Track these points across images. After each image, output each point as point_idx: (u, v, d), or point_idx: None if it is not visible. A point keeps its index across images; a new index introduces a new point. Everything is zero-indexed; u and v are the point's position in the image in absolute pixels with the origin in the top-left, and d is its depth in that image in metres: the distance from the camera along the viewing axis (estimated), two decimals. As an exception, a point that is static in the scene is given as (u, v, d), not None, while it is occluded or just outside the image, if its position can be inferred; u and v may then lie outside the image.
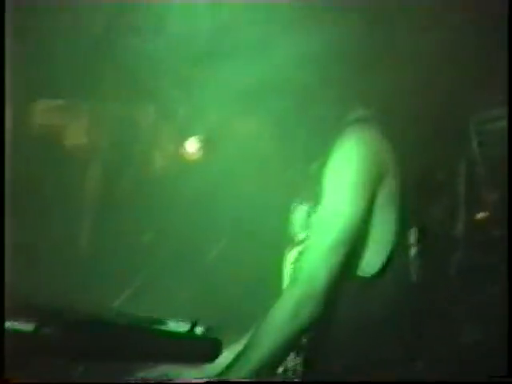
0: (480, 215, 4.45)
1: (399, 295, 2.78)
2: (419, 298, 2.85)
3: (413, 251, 2.80)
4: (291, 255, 2.89)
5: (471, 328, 4.03)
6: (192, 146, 5.24)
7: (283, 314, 2.58)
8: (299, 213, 2.86)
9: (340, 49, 2.82)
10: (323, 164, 2.70)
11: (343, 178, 2.64)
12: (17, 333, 2.21)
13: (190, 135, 5.24)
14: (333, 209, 2.64)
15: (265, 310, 2.62)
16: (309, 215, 2.80)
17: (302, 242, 2.81)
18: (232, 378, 2.51)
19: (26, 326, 2.21)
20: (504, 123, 4.46)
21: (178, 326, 2.54)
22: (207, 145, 5.01)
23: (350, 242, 2.61)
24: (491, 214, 4.40)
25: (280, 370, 2.79)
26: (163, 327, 2.53)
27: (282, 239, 2.97)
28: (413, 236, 2.79)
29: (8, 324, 2.23)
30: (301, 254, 2.76)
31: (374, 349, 2.73)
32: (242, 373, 2.53)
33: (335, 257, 2.59)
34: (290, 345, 2.63)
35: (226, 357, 2.57)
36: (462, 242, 4.39)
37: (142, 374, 2.70)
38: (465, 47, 4.37)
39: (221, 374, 2.54)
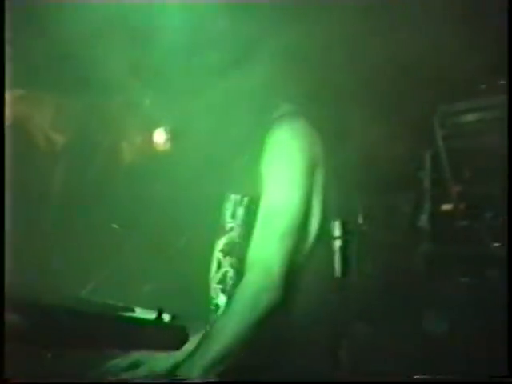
0: (445, 206, 4.48)
1: (320, 287, 2.82)
2: (341, 290, 2.88)
3: (336, 244, 2.83)
4: (220, 243, 2.92)
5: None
6: (160, 136, 5.26)
7: (244, 301, 2.61)
8: (229, 203, 2.89)
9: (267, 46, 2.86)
10: (254, 157, 2.73)
11: (285, 171, 2.69)
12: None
13: (157, 126, 5.25)
14: (277, 199, 2.67)
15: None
16: (238, 205, 2.83)
17: (230, 230, 2.84)
18: (193, 366, 2.53)
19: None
20: (468, 117, 4.51)
21: (146, 314, 2.55)
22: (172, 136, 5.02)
23: (297, 230, 2.66)
24: (454, 205, 4.44)
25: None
26: (131, 315, 2.54)
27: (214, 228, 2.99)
28: (336, 228, 2.82)
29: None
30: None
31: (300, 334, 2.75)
32: (203, 361, 2.55)
33: (285, 245, 2.63)
34: (250, 333, 2.65)
35: (192, 343, 2.59)
36: (426, 233, 4.42)
37: (115, 362, 2.70)
38: (431, 46, 4.41)
39: (183, 361, 2.56)
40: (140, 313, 2.58)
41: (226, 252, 2.88)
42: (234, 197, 2.86)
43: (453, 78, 4.53)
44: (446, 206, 4.48)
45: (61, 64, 4.42)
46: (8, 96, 5.04)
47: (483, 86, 4.43)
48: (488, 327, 3.83)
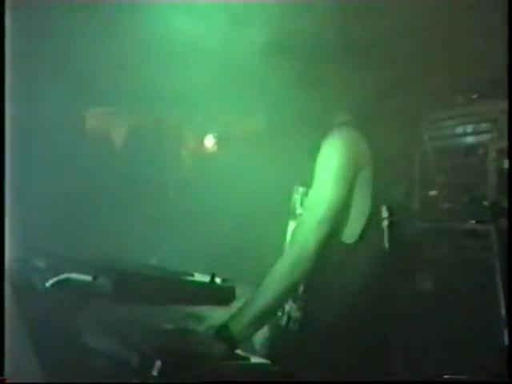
0: (431, 192, 4.45)
1: (374, 259, 2.78)
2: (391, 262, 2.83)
3: (385, 223, 2.79)
4: (291, 225, 2.88)
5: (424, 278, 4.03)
6: (209, 142, 5.24)
7: (282, 271, 2.57)
8: (297, 194, 2.86)
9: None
10: (312, 156, 2.70)
11: (328, 168, 2.65)
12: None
13: (207, 134, 5.23)
14: (320, 192, 2.65)
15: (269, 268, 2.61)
16: (305, 195, 2.80)
17: (299, 215, 2.80)
18: (240, 319, 2.49)
19: (84, 277, 2.18)
20: (449, 123, 4.47)
21: (202, 277, 2.51)
22: (221, 141, 4.99)
23: (333, 217, 2.62)
24: (439, 192, 4.40)
25: (279, 313, 2.77)
26: (191, 278, 2.50)
27: (286, 213, 2.95)
28: (384, 211, 2.78)
29: (66, 275, 2.20)
30: (296, 225, 2.75)
31: (354, 304, 2.70)
32: (250, 314, 2.51)
33: (322, 228, 2.59)
34: (287, 295, 2.61)
35: (240, 302, 2.55)
36: (417, 214, 4.39)
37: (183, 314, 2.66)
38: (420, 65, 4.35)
39: (234, 315, 2.52)
40: (197, 277, 2.54)
41: None
42: (301, 189, 2.83)
43: (437, 92, 4.49)
44: (432, 192, 4.44)
45: (128, 84, 4.37)
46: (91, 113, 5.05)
47: (460, 99, 4.37)
48: (470, 286, 3.77)
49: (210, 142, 5.24)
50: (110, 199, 4.38)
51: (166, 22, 3.55)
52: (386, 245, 2.78)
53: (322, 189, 2.64)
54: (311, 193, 2.70)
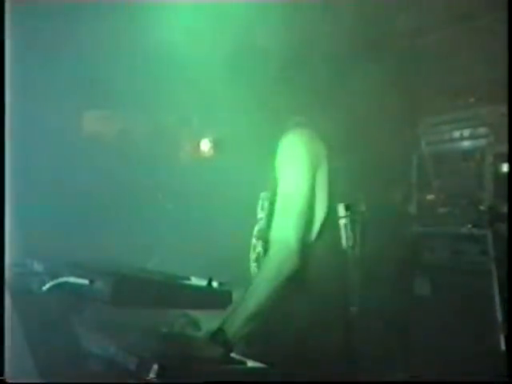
0: (428, 196, 4.46)
1: (331, 257, 2.80)
2: (348, 261, 2.85)
3: (342, 222, 2.81)
4: (255, 229, 2.91)
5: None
6: (205, 145, 5.26)
7: (269, 271, 2.60)
8: (260, 199, 2.89)
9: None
10: (273, 159, 2.74)
11: (293, 164, 2.70)
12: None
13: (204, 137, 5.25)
14: (291, 186, 2.67)
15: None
16: (264, 200, 2.83)
17: (260, 219, 2.84)
18: (234, 321, 2.51)
19: (82, 281, 2.19)
20: (445, 127, 4.48)
21: (199, 282, 2.53)
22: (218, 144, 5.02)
23: (309, 208, 2.66)
24: (437, 196, 4.41)
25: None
26: (188, 282, 2.52)
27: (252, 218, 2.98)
28: (341, 210, 2.81)
29: (64, 279, 2.21)
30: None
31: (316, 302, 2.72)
32: (243, 315, 2.53)
33: (301, 220, 2.62)
34: (277, 293, 2.62)
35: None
36: (414, 217, 4.40)
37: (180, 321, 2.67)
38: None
39: (227, 318, 2.53)
40: (194, 281, 2.55)
41: (258, 237, 2.88)
42: (262, 193, 2.86)
43: (433, 96, 4.51)
44: (430, 196, 4.45)
45: (125, 87, 4.38)
46: (90, 115, 5.06)
47: (458, 103, 4.39)
48: (466, 290, 3.78)
49: (206, 145, 5.26)
50: (108, 203, 4.40)
51: (164, 25, 3.57)
52: (344, 243, 2.80)
53: (291, 183, 2.68)
54: (280, 191, 2.71)
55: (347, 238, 2.81)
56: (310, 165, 2.70)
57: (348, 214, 2.81)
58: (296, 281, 2.62)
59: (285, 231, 2.62)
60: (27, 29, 3.37)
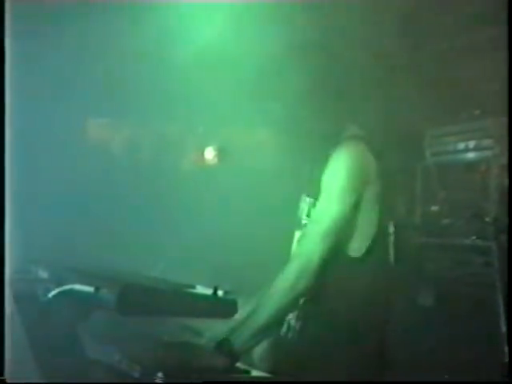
0: (433, 208, 4.46)
1: (380, 273, 2.78)
2: (395, 276, 2.85)
3: (391, 239, 2.80)
4: (297, 235, 2.89)
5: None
6: (209, 153, 5.25)
7: (285, 284, 2.57)
8: (305, 204, 2.86)
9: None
10: (320, 168, 2.71)
11: (335, 182, 2.65)
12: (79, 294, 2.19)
13: (208, 145, 5.24)
14: (325, 205, 2.65)
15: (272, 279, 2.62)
16: (312, 206, 2.80)
17: (304, 225, 2.81)
18: (243, 333, 2.50)
19: (87, 288, 2.19)
20: (451, 138, 4.49)
21: (204, 290, 2.52)
22: (223, 153, 5.01)
23: (337, 231, 2.61)
24: (441, 207, 4.42)
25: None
26: (193, 291, 2.51)
27: (292, 223, 2.96)
28: (391, 227, 2.80)
29: (69, 286, 2.21)
30: (300, 237, 2.76)
31: (356, 314, 2.70)
32: (252, 327, 2.52)
33: (326, 242, 2.59)
34: (289, 308, 2.63)
35: (240, 314, 2.55)
36: (419, 229, 4.40)
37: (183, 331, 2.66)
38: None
39: (235, 328, 2.53)
40: (200, 289, 2.55)
41: None
42: (308, 199, 2.83)
43: (439, 107, 4.51)
44: (434, 208, 4.46)
45: (130, 95, 4.38)
46: (94, 121, 5.07)
47: (463, 115, 4.39)
48: (470, 301, 3.77)
49: (210, 153, 5.26)
50: (113, 210, 4.40)
51: (173, 33, 3.57)
52: (392, 260, 2.79)
53: (328, 202, 2.64)
54: (317, 206, 2.70)
55: (395, 256, 2.81)
56: (356, 185, 2.65)
57: (395, 231, 2.81)
58: (311, 298, 2.63)
59: (309, 247, 2.61)
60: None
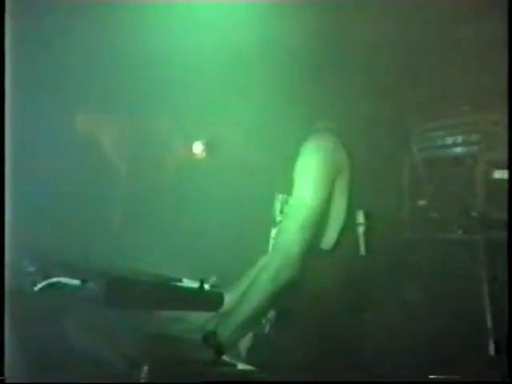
0: (420, 202, 4.47)
1: (350, 264, 2.82)
2: (366, 266, 2.87)
3: (361, 229, 2.83)
4: (273, 232, 2.92)
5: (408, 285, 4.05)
6: (198, 147, 5.25)
7: (266, 278, 2.63)
8: (277, 201, 2.90)
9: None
10: (291, 163, 2.75)
11: (307, 175, 2.72)
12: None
13: (196, 140, 5.24)
14: (300, 198, 2.72)
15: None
16: (285, 202, 2.84)
17: (279, 222, 2.85)
18: (227, 326, 2.53)
19: (74, 281, 2.20)
20: (437, 134, 4.51)
21: (191, 283, 2.54)
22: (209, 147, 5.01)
23: (314, 223, 2.69)
24: (428, 202, 4.43)
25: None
26: (180, 284, 2.53)
27: (267, 220, 2.99)
28: (360, 217, 2.83)
29: (56, 279, 2.22)
30: (278, 231, 2.79)
31: (329, 303, 2.74)
32: (237, 320, 2.56)
33: (304, 234, 2.66)
34: (273, 301, 2.67)
35: (226, 307, 2.58)
36: (407, 223, 4.41)
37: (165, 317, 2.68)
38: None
39: (221, 321, 2.56)
40: (186, 282, 2.57)
41: None
42: (281, 196, 2.87)
43: (426, 103, 4.53)
44: (421, 202, 4.47)
45: (117, 89, 4.38)
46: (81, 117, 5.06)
47: (450, 110, 4.41)
48: (457, 296, 3.79)
49: (198, 147, 5.26)
50: (99, 204, 4.41)
51: (159, 26, 3.58)
52: (362, 251, 2.82)
53: (302, 195, 2.70)
54: (291, 199, 2.75)
55: (365, 246, 2.84)
56: (328, 175, 2.71)
57: (366, 221, 2.84)
58: (294, 289, 2.66)
59: (288, 239, 2.66)
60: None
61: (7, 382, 2.09)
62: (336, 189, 2.76)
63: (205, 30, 3.34)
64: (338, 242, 2.78)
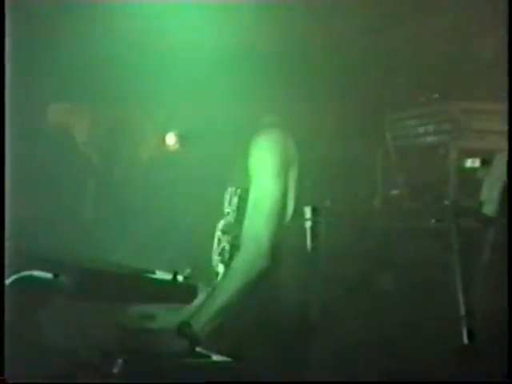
0: (393, 192, 4.50)
1: (295, 259, 2.85)
2: (314, 262, 2.88)
3: (308, 224, 2.85)
4: (220, 224, 2.93)
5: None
6: (171, 139, 5.23)
7: (239, 269, 2.67)
8: (227, 193, 2.92)
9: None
10: (244, 158, 2.79)
11: (264, 166, 2.76)
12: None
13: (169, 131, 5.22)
14: (262, 188, 2.75)
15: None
16: (233, 195, 2.86)
17: (227, 214, 2.87)
18: (200, 318, 2.53)
19: (46, 275, 2.18)
20: (411, 122, 4.53)
21: (164, 275, 2.53)
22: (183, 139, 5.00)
23: (279, 211, 2.73)
24: (401, 191, 4.46)
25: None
26: (152, 276, 2.52)
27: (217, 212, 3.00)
28: (307, 212, 2.85)
29: (27, 272, 2.20)
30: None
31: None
32: (211, 311, 2.57)
33: (272, 222, 2.70)
34: (246, 291, 2.67)
35: (199, 299, 2.58)
36: (380, 213, 4.44)
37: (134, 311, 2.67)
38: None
39: (194, 312, 2.56)
40: (159, 274, 2.56)
41: (223, 231, 2.91)
42: (230, 189, 2.89)
43: (397, 92, 4.55)
44: (394, 191, 4.50)
45: (89, 81, 4.36)
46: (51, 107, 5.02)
47: (422, 99, 4.43)
48: (430, 285, 3.82)
49: (171, 139, 5.24)
50: (73, 196, 4.39)
51: (135, 16, 3.57)
52: (309, 245, 2.84)
53: (263, 185, 2.74)
54: (253, 191, 2.77)
55: (312, 240, 2.85)
56: (283, 166, 2.76)
57: (313, 216, 2.85)
58: (266, 279, 2.67)
59: (256, 231, 2.69)
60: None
61: (7, 382, 2.07)
62: (288, 183, 2.80)
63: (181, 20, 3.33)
64: (285, 236, 2.80)
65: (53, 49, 4.07)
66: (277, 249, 2.69)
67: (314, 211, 2.83)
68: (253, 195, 2.77)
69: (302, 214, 2.84)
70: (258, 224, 2.70)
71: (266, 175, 2.74)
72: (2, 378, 2.07)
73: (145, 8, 3.54)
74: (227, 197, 2.92)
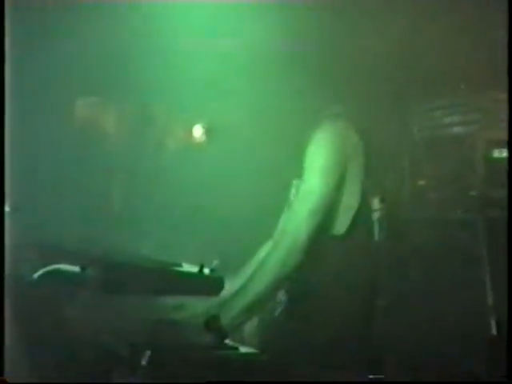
0: (419, 183, 4.45)
1: (363, 251, 2.82)
2: (380, 252, 2.86)
3: (375, 215, 2.83)
4: (283, 216, 2.93)
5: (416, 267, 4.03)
6: (197, 131, 5.23)
7: (273, 262, 2.65)
8: (293, 187, 2.91)
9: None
10: (301, 149, 2.76)
11: (317, 161, 2.72)
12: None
13: (196, 123, 5.21)
14: (310, 183, 2.73)
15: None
16: (298, 186, 2.84)
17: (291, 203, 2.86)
18: (231, 309, 2.53)
19: (73, 268, 2.19)
20: (437, 113, 4.49)
21: (191, 268, 2.54)
22: (209, 131, 4.99)
23: (324, 208, 2.71)
24: (428, 182, 4.41)
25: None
26: (180, 269, 2.53)
27: (277, 202, 2.99)
28: (375, 203, 2.82)
29: (55, 266, 2.21)
30: (287, 217, 2.80)
31: (343, 293, 2.73)
32: (241, 304, 2.56)
33: (314, 219, 2.68)
34: (278, 285, 2.67)
35: (226, 291, 2.58)
36: (408, 204, 4.39)
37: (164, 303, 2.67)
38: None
39: (224, 305, 2.55)
40: (186, 267, 2.56)
41: None
42: (295, 181, 2.88)
43: (425, 82, 4.50)
44: (421, 182, 4.46)
45: (117, 72, 4.37)
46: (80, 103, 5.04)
47: (449, 89, 4.39)
48: (457, 276, 3.78)
49: (198, 131, 5.24)
50: (100, 190, 4.40)
51: (157, 13, 3.56)
52: (376, 237, 2.82)
53: (313, 180, 2.71)
54: (302, 184, 2.75)
55: (380, 232, 2.84)
56: (340, 162, 2.73)
57: (382, 206, 2.84)
58: (302, 274, 2.66)
59: (297, 224, 2.67)
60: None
61: (7, 382, 2.08)
62: (349, 174, 2.76)
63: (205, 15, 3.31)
64: (350, 228, 2.77)
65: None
66: (315, 244, 2.67)
67: (382, 201, 2.82)
68: (301, 188, 2.76)
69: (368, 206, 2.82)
70: (300, 219, 2.69)
71: (317, 169, 2.75)
72: (2, 378, 2.07)
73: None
74: (293, 190, 2.91)
